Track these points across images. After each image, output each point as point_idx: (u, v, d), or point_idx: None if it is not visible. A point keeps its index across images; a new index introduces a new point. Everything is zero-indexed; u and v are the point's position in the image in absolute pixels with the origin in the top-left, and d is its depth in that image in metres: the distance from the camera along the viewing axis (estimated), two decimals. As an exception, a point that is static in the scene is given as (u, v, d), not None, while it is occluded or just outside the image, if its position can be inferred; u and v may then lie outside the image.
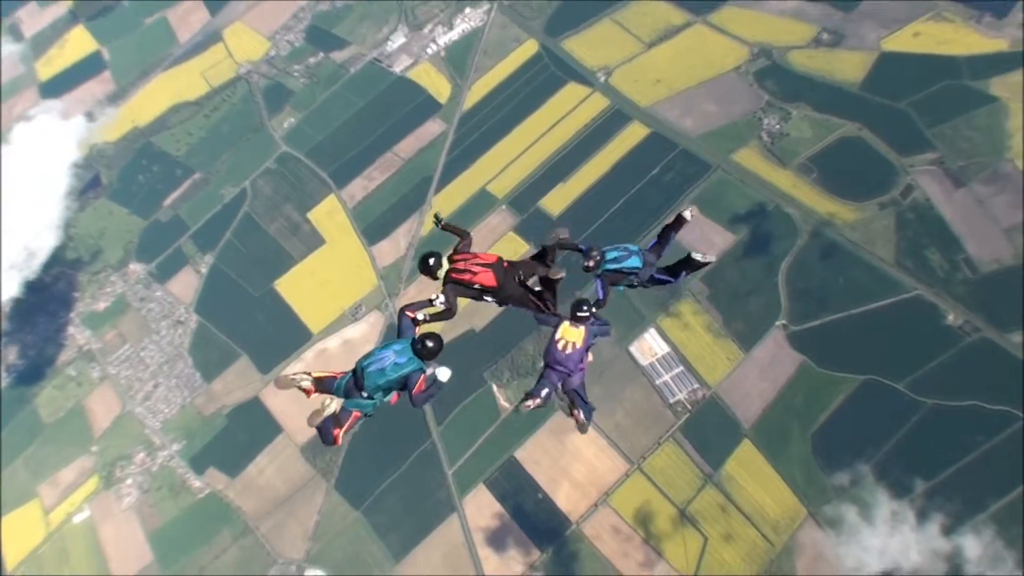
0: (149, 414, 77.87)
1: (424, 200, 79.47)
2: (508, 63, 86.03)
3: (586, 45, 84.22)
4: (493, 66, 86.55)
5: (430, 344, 15.43)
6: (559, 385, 17.13)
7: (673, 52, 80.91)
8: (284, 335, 76.89)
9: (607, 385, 65.27)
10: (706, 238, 68.88)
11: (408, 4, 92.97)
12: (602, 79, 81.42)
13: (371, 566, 66.34)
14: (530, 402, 16.68)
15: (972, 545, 54.27)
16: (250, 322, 78.87)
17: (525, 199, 77.16)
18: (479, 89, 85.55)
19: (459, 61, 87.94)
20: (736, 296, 66.44)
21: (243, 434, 74.26)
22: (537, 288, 17.89)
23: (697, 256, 18.67)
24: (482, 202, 78.14)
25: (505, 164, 79.55)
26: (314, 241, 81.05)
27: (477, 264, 17.06)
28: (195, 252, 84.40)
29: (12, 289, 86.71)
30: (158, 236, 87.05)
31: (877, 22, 76.14)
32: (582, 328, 17.02)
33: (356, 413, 15.61)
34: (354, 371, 15.57)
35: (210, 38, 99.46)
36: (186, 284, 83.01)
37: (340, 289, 77.15)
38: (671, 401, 63.76)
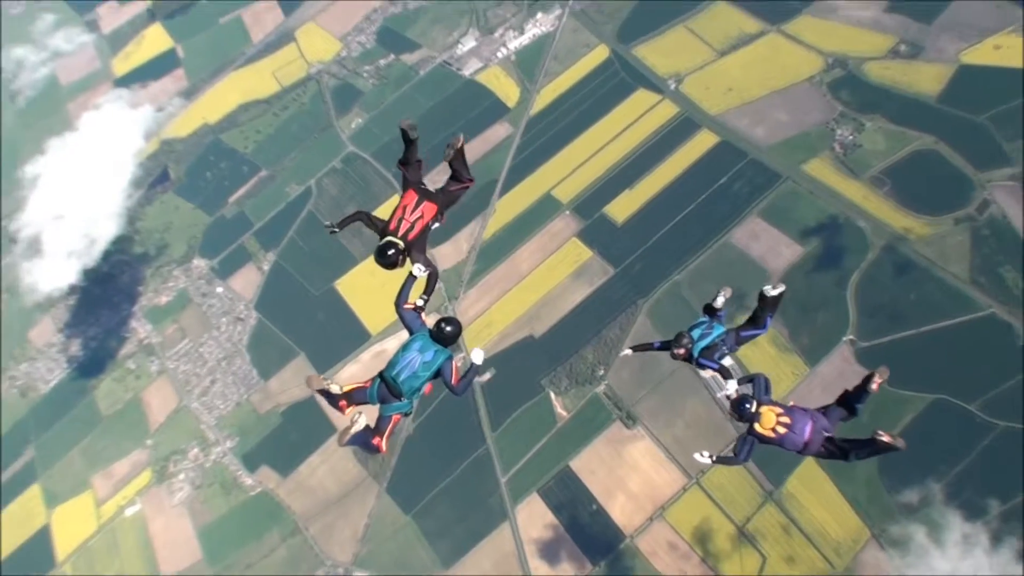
0: (205, 410, 77.97)
1: (488, 203, 78.53)
2: (578, 68, 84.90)
3: (658, 52, 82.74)
4: (563, 71, 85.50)
5: (448, 328, 14.71)
6: (822, 441, 15.98)
7: (746, 60, 79.07)
8: (342, 335, 76.44)
9: (666, 396, 63.72)
10: (774, 249, 67.29)
11: (480, 7, 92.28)
12: (672, 86, 79.90)
13: (419, 571, 65.37)
14: (884, 437, 15.41)
15: (1050, 570, 51.48)
16: (309, 321, 78.59)
17: (590, 205, 75.96)
18: (548, 94, 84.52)
19: (529, 66, 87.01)
20: (803, 310, 64.28)
21: (297, 433, 73.89)
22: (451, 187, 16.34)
23: (769, 291, 17.89)
24: (546, 207, 77.09)
25: (571, 169, 78.40)
26: (376, 241, 79.86)
27: (410, 214, 15.65)
28: (258, 249, 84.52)
29: (71, 276, 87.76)
30: (222, 232, 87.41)
31: (956, 35, 73.43)
32: (764, 408, 16.05)
33: (396, 416, 14.79)
34: (383, 379, 14.68)
35: (283, 38, 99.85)
36: (248, 281, 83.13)
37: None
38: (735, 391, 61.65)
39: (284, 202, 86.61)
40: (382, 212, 16.50)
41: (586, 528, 63.42)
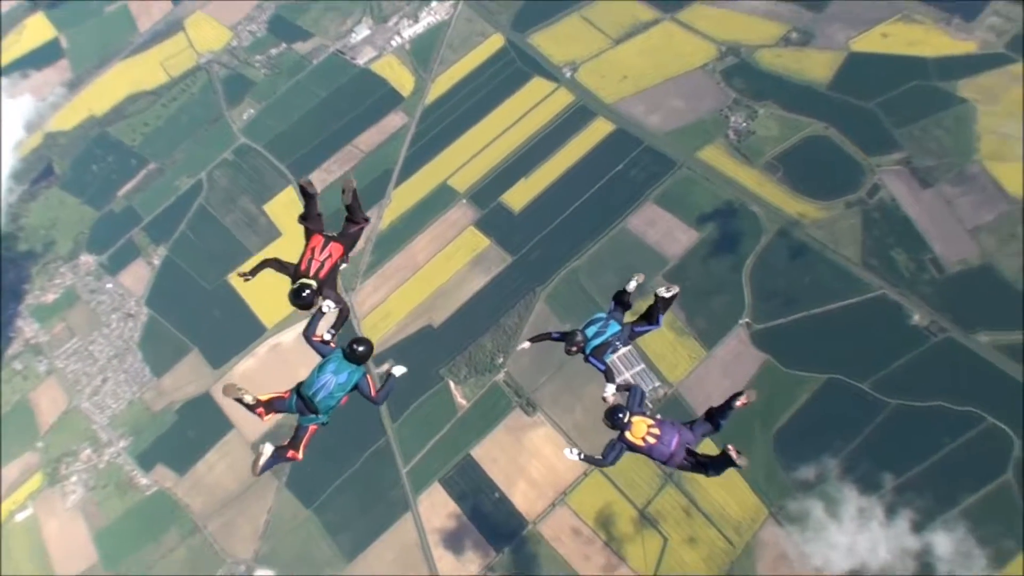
0: (96, 409, 75.62)
1: (384, 193, 77.97)
2: (473, 57, 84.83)
3: (553, 40, 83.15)
4: (458, 60, 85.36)
5: (360, 349, 15.22)
6: (684, 454, 16.44)
7: (641, 49, 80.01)
8: (237, 329, 74.98)
9: (566, 382, 64.05)
10: (671, 235, 68.21)
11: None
12: (568, 74, 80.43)
13: (322, 566, 64.50)
14: (734, 454, 15.71)
15: (943, 542, 53.17)
16: (203, 316, 76.91)
17: (486, 194, 75.97)
18: (443, 83, 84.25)
19: (424, 54, 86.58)
20: (699, 294, 65.28)
21: (193, 430, 72.26)
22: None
23: (663, 292, 17.58)
24: (443, 196, 76.85)
25: (467, 158, 78.33)
26: (270, 233, 79.24)
27: (319, 254, 16.11)
28: (148, 244, 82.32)
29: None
30: (110, 227, 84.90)
31: (846, 23, 75.71)
32: (635, 419, 16.47)
33: (312, 427, 15.43)
34: (299, 395, 15.28)
35: (171, 27, 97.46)
36: (138, 276, 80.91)
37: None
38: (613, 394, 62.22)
39: (174, 195, 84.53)
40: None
41: (489, 516, 63.41)
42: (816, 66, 73.65)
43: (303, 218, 16.51)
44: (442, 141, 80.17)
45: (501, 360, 66.84)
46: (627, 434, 16.33)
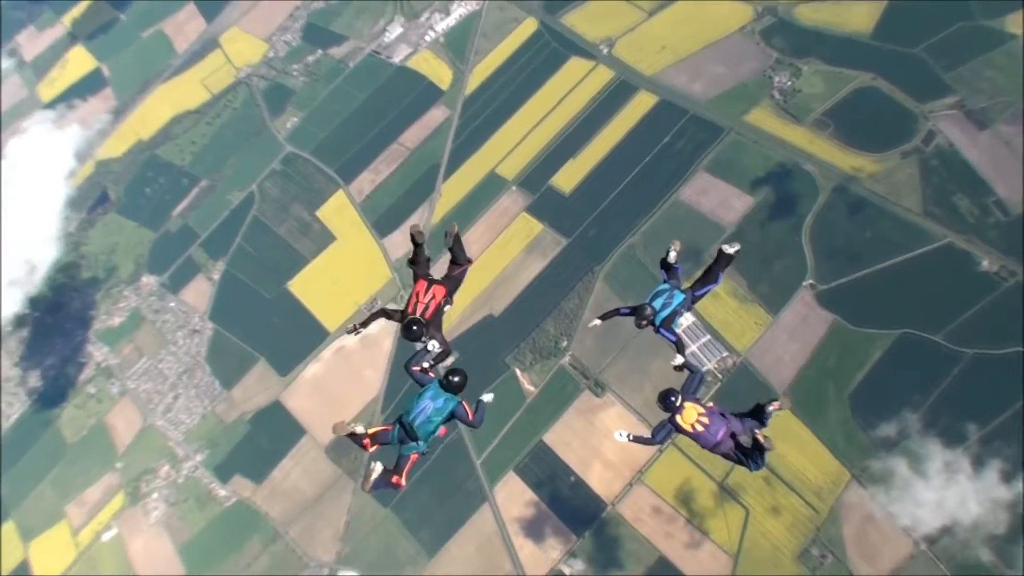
0: (171, 426, 76.87)
1: (433, 187, 78.05)
2: (508, 43, 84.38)
3: (586, 18, 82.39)
4: (493, 48, 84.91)
5: (456, 379, 16.40)
6: (731, 444, 16.73)
7: (676, 17, 78.88)
8: (301, 336, 75.68)
9: (632, 360, 63.51)
10: (725, 203, 67.27)
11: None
12: (605, 51, 79.58)
13: (404, 564, 64.84)
14: (765, 443, 16.06)
15: (1035, 489, 51.68)
16: (266, 325, 77.69)
17: (536, 178, 75.57)
18: (481, 72, 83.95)
19: (459, 46, 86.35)
20: (760, 259, 64.20)
21: (266, 439, 73.12)
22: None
23: (727, 249, 18.07)
24: (492, 185, 76.64)
25: (513, 145, 77.98)
26: (325, 239, 79.76)
27: (423, 297, 17.59)
28: (206, 260, 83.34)
29: (14, 305, 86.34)
30: (168, 247, 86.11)
31: (884, -32, 73.61)
32: (688, 405, 16.74)
33: (414, 455, 16.59)
34: (400, 424, 16.52)
35: (207, 46, 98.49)
36: (199, 292, 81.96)
37: (354, 285, 75.85)
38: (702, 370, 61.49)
39: (227, 210, 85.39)
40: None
41: (567, 501, 63.14)
42: (856, 17, 71.87)
43: (411, 263, 18.16)
44: (486, 130, 79.92)
45: (565, 343, 66.49)
46: (677, 418, 16.69)
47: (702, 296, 18.59)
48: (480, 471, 65.09)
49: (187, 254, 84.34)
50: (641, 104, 75.16)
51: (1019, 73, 64.29)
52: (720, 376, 61.26)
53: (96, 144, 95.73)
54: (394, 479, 16.23)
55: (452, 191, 77.39)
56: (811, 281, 62.43)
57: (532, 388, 66.16)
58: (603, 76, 78.23)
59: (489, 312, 70.18)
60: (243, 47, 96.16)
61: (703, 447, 16.72)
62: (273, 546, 69.14)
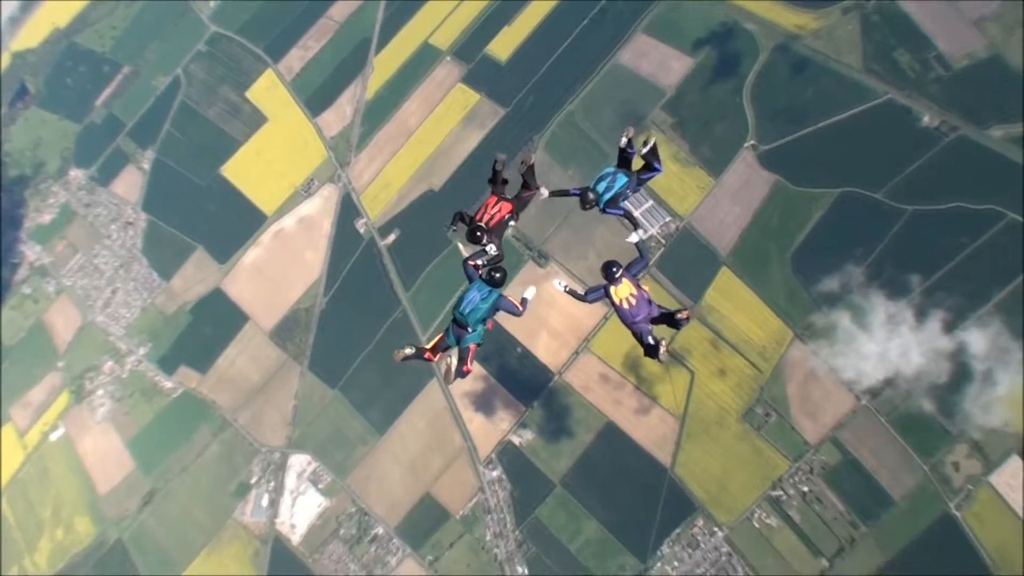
0: (111, 321, 75.44)
1: (365, 62, 75.45)
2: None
3: None
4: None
5: (497, 276, 18.98)
6: (650, 326, 18.96)
7: None
8: (238, 221, 73.90)
9: (575, 229, 62.55)
10: (665, 65, 65.64)
11: None
12: (537, -88, 76.13)
13: (355, 443, 64.74)
14: (662, 349, 18.71)
15: (977, 340, 51.83)
16: (201, 213, 75.68)
17: (471, 47, 73.07)
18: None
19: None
20: (701, 122, 63.11)
21: (209, 328, 72.12)
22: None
23: (643, 149, 20.48)
24: (426, 56, 74.10)
25: (446, 14, 75.15)
26: (256, 120, 77.28)
27: (491, 209, 20.49)
28: (135, 149, 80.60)
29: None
30: (95, 138, 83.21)
31: None
32: (624, 280, 18.83)
33: (472, 346, 19.14)
34: (454, 319, 19.16)
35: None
36: (130, 183, 79.48)
37: (289, 166, 73.87)
38: (644, 236, 60.90)
39: (153, 96, 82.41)
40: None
41: (515, 373, 62.87)
42: None
43: (490, 181, 21.06)
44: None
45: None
46: (612, 288, 18.95)
47: (646, 180, 20.93)
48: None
49: (115, 144, 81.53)
50: (578, -35, 72.42)
51: None
52: (663, 240, 60.63)
53: (9, 34, 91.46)
54: (464, 368, 19.08)
55: (385, 65, 74.88)
56: (752, 142, 61.44)
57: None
58: (537, -62, 75.12)
59: (429, 186, 68.68)
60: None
61: (622, 320, 19.01)
62: (223, 434, 68.72)
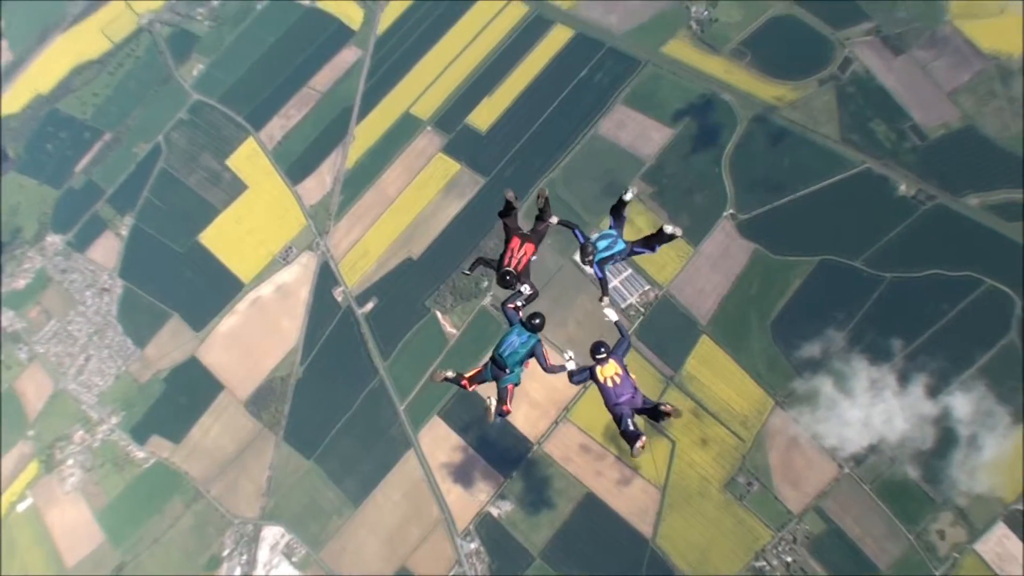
0: (83, 389, 74.25)
1: (346, 131, 75.73)
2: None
3: (499, -48, 79.95)
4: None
5: (536, 321, 19.55)
6: (632, 412, 18.94)
7: (591, -52, 76.85)
8: (214, 288, 73.35)
9: (554, 297, 62.18)
10: (644, 135, 66.18)
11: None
12: (520, -16, 77.42)
13: (330, 514, 63.65)
14: (639, 444, 18.42)
15: (961, 404, 51.79)
16: (178, 280, 75.08)
17: (451, 118, 73.63)
18: (392, 10, 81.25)
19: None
20: (680, 191, 63.53)
21: (183, 397, 71.06)
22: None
23: (668, 229, 20.28)
24: (407, 126, 74.56)
25: (427, 85, 75.85)
26: (236, 188, 77.12)
27: (516, 253, 20.52)
28: (113, 215, 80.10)
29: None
30: (73, 204, 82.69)
31: None
32: (611, 361, 19.14)
33: (510, 386, 19.74)
34: (493, 360, 19.78)
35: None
36: (107, 249, 78.85)
37: (268, 234, 73.61)
38: (623, 305, 60.71)
39: (134, 163, 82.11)
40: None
41: (494, 443, 62.30)
42: (770, -56, 70.86)
43: (502, 214, 20.91)
44: (399, 70, 77.59)
45: (486, 284, 65.08)
46: (598, 368, 19.09)
47: (637, 255, 21.07)
48: (404, 417, 63.87)
49: (93, 210, 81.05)
50: (557, 38, 73.43)
51: None
52: (642, 309, 60.45)
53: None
54: (504, 408, 19.71)
55: (366, 133, 75.18)
56: (731, 211, 61.84)
57: (454, 331, 64.87)
58: (518, 11, 76.19)
59: (408, 255, 68.55)
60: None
61: (606, 400, 18.94)
62: (195, 505, 67.42)
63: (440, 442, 62.79)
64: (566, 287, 62.33)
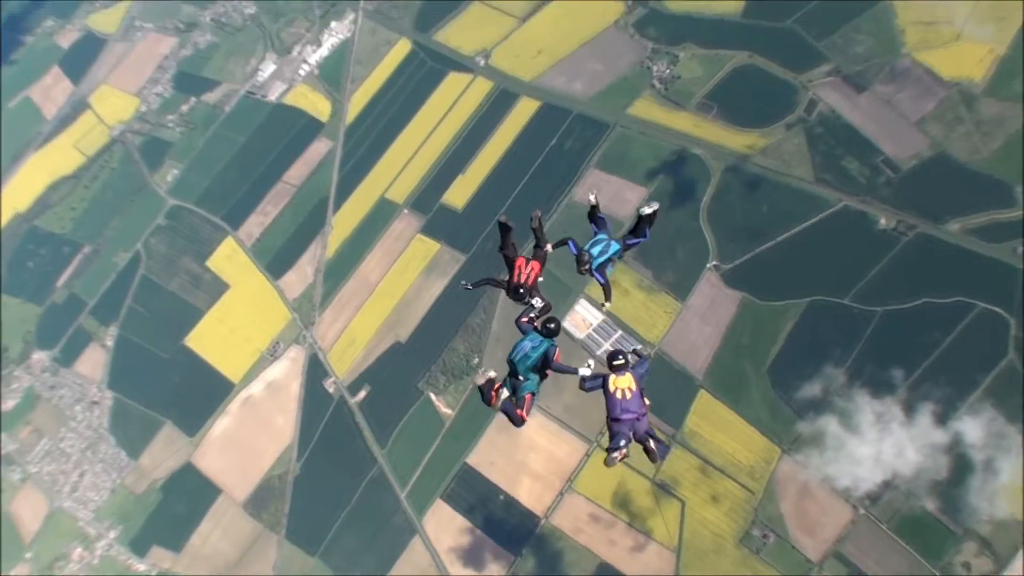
0: (79, 505, 73.02)
1: (324, 222, 75.88)
2: (384, 67, 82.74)
3: (459, 32, 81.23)
4: (369, 73, 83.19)
5: (551, 326, 19.02)
6: (631, 433, 17.68)
7: (549, 20, 78.27)
8: (204, 392, 72.62)
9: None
10: (620, 197, 66.36)
11: (271, 29, 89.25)
12: (481, 63, 78.50)
13: (339, 610, 62.24)
14: (617, 455, 17.27)
15: (971, 428, 51.41)
16: (167, 386, 74.31)
17: (427, 199, 74.02)
18: (360, 99, 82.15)
19: (334, 76, 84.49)
20: (662, 248, 63.48)
21: (181, 504, 69.93)
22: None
23: (644, 210, 21.11)
24: (383, 211, 74.82)
25: (400, 168, 76.36)
26: (218, 288, 76.85)
27: (524, 269, 20.68)
28: (97, 327, 79.57)
29: None
30: (56, 319, 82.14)
31: (743, -50, 74.43)
32: (627, 373, 18.00)
33: (528, 396, 19.08)
34: (508, 367, 19.14)
35: (77, 107, 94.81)
36: (94, 362, 78.17)
37: (253, 331, 73.16)
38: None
39: (114, 273, 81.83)
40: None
41: (501, 522, 61.35)
42: (724, -2, 72.35)
43: (501, 248, 21.10)
44: (371, 157, 78.17)
45: (477, 360, 64.66)
46: (611, 378, 17.79)
47: (632, 247, 21.38)
48: (406, 504, 62.89)
49: (76, 324, 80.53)
50: (524, 110, 74.26)
51: (889, 33, 65.71)
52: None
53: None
54: (519, 411, 18.92)
55: (343, 222, 75.41)
56: (715, 262, 62.02)
57: (449, 411, 64.24)
58: (483, 87, 77.07)
59: (396, 339, 68.20)
60: (114, 104, 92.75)
61: (610, 412, 17.61)
62: (200, 615, 65.92)
63: (446, 525, 61.76)
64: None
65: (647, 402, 17.98)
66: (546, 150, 70.87)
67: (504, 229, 20.88)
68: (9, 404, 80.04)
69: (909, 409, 53.06)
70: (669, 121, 68.35)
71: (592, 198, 21.84)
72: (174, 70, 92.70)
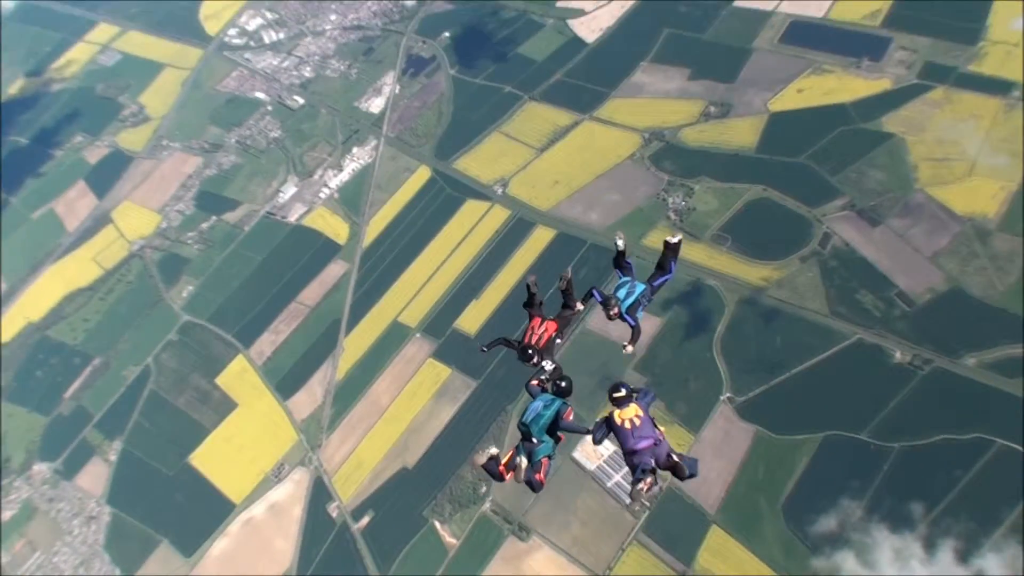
0: (68, 625, 70.79)
1: (336, 343, 75.80)
2: (403, 193, 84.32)
3: (478, 161, 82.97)
4: (388, 199, 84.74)
5: (564, 385, 18.14)
6: (653, 460, 16.41)
7: (566, 152, 79.97)
8: (205, 511, 71.19)
9: (556, 497, 60.66)
10: (632, 327, 65.84)
11: (295, 152, 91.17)
12: (499, 191, 79.87)
13: None
14: (642, 486, 15.96)
15: (995, 566, 49.75)
16: (168, 504, 72.93)
17: (439, 323, 74.23)
18: (377, 224, 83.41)
19: (354, 200, 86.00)
20: (675, 380, 63.30)
21: (174, 629, 67.70)
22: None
23: (669, 239, 20.60)
24: (396, 334, 74.90)
25: (414, 293, 76.88)
26: (226, 406, 76.29)
27: (537, 330, 20.57)
28: (102, 441, 78.69)
29: None
30: (61, 431, 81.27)
31: (760, 87, 76.91)
32: (631, 404, 16.85)
33: (544, 460, 17.78)
34: (520, 431, 18.00)
35: (99, 222, 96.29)
36: (96, 476, 76.95)
37: (259, 451, 72.21)
38: (627, 502, 59.00)
39: (123, 386, 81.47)
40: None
41: (506, 650, 59.28)
42: (740, 133, 74.22)
43: (527, 305, 21.09)
44: (386, 280, 78.70)
45: (484, 489, 63.53)
46: (616, 413, 16.71)
47: (659, 287, 20.55)
48: (410, 642, 60.90)
49: (81, 436, 79.72)
50: (540, 239, 75.09)
51: (903, 168, 67.13)
52: (647, 503, 58.69)
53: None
54: (537, 476, 17.57)
55: (355, 344, 75.38)
56: (729, 395, 61.50)
57: (454, 540, 62.73)
58: (500, 215, 78.10)
59: (403, 465, 67.20)
60: (136, 220, 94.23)
61: (624, 445, 16.38)
62: None
63: (449, 662, 59.86)
64: (565, 486, 60.84)
65: (661, 428, 16.90)
66: (558, 282, 70.84)
67: (529, 292, 20.99)
68: (6, 515, 78.55)
69: (930, 545, 51.59)
70: (684, 252, 67.89)
71: (620, 243, 21.19)
72: (197, 189, 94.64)
